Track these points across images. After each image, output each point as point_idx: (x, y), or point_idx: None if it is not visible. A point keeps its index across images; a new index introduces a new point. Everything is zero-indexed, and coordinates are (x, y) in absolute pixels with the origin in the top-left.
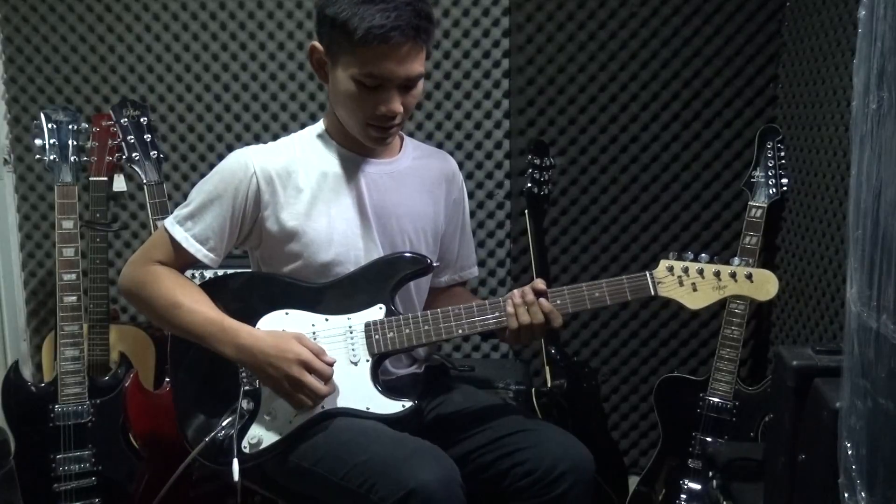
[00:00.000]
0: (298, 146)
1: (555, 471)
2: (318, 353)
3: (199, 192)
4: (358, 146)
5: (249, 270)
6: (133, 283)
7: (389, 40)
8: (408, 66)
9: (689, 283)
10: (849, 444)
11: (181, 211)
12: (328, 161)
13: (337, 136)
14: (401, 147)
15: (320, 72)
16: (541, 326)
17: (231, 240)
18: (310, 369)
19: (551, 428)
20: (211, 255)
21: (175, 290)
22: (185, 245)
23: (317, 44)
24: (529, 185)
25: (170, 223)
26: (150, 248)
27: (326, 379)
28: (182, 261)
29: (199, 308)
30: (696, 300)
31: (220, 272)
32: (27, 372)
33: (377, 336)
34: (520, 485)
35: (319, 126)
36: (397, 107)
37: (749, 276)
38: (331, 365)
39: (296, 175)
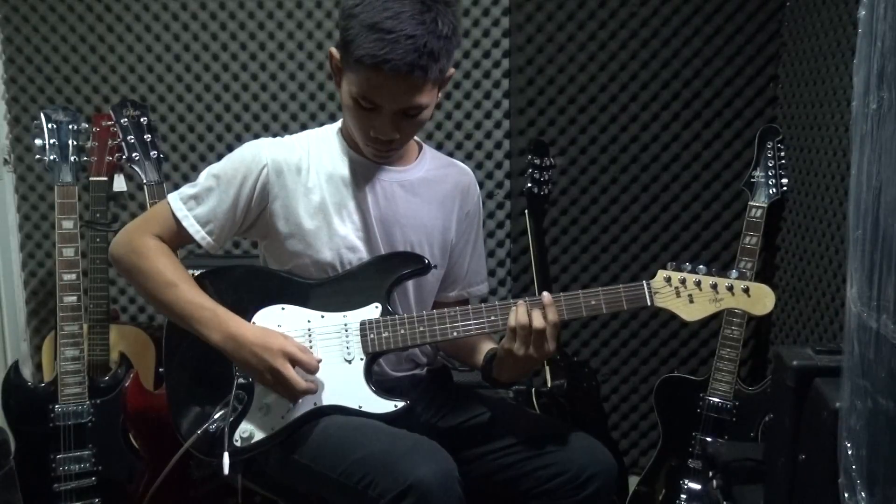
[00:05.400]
0: (313, 144)
1: (584, 473)
2: (303, 350)
3: (208, 176)
4: None
5: (250, 265)
6: (128, 251)
7: (380, 71)
8: (402, 98)
9: (685, 294)
10: (849, 444)
11: (187, 189)
12: (339, 163)
13: (350, 140)
14: (417, 156)
15: (336, 77)
16: (540, 338)
17: (233, 228)
18: (293, 362)
19: (574, 431)
20: (209, 238)
21: (171, 269)
22: (184, 223)
23: (334, 50)
24: (529, 185)
25: (173, 198)
26: (148, 220)
27: (311, 372)
28: (179, 238)
29: (194, 291)
30: (692, 312)
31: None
32: (27, 372)
33: (372, 335)
34: (547, 486)
35: (336, 126)
36: (389, 133)
37: (746, 290)
38: (317, 362)
39: (306, 173)
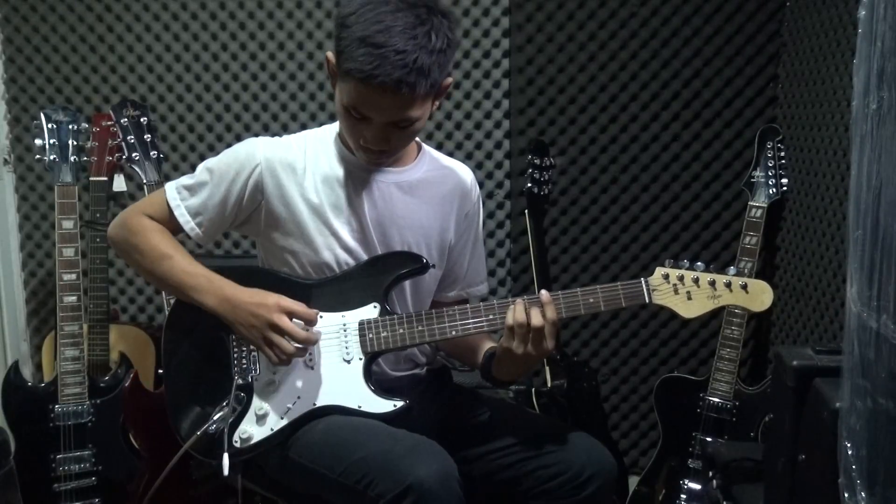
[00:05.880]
0: (310, 145)
1: (583, 473)
2: (300, 304)
3: (203, 169)
4: None
5: (249, 265)
6: (124, 229)
7: (369, 85)
8: (391, 112)
9: (683, 291)
10: (849, 444)
11: (183, 180)
12: (336, 164)
13: (347, 142)
14: (416, 156)
15: (332, 81)
16: (538, 336)
17: (223, 223)
18: (291, 315)
19: (574, 431)
20: (197, 229)
21: (166, 243)
22: (175, 212)
23: (330, 54)
24: (529, 185)
25: (170, 187)
26: (146, 204)
27: (310, 323)
28: (171, 225)
29: (187, 261)
30: (690, 309)
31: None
32: (27, 372)
33: (370, 335)
34: (547, 486)
35: (335, 127)
36: (379, 144)
37: (744, 287)
38: (315, 313)
39: (302, 173)
